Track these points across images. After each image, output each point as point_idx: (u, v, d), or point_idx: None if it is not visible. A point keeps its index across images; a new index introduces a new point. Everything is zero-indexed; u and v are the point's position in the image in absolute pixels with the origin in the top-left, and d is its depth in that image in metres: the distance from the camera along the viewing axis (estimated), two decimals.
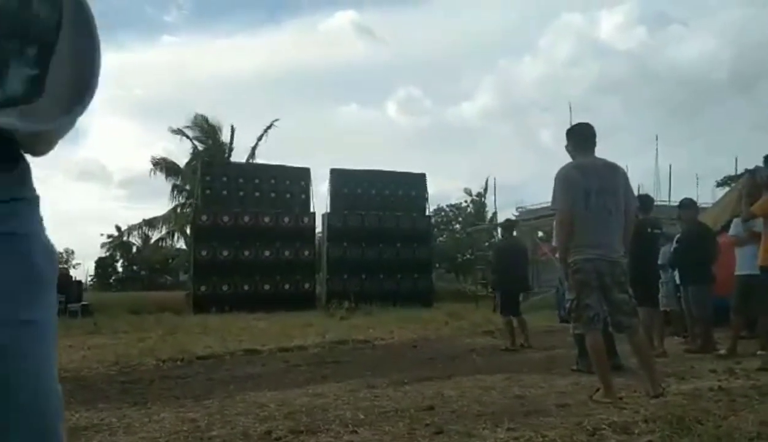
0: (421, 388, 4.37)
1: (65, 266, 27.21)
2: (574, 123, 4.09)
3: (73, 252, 38.58)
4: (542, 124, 47.83)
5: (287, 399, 4.03)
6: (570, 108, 15.60)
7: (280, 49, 46.64)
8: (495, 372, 4.96)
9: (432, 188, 36.98)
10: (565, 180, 3.70)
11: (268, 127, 23.39)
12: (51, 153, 0.77)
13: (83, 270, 35.15)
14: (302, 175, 16.58)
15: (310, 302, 15.16)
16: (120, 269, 39.58)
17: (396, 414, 3.52)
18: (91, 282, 32.53)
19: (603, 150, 3.94)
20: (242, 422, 3.39)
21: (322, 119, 45.74)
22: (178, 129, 22.96)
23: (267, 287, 15.19)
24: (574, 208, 3.65)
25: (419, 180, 17.56)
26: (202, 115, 23.21)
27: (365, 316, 11.86)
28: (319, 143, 40.62)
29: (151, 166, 23.15)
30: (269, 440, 3.01)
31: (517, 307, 7.16)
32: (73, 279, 16.49)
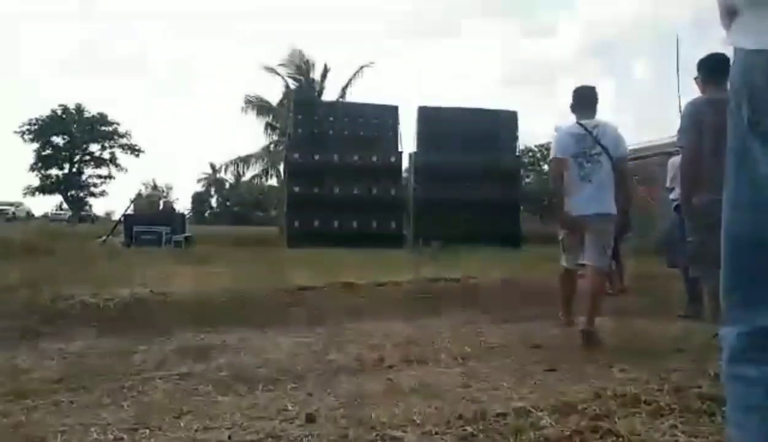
0: (522, 326, 4.39)
1: (169, 199, 28.92)
2: (705, 56, 3.71)
3: (172, 188, 40.99)
4: (637, 62, 44.57)
5: (392, 330, 4.17)
6: (677, 41, 14.20)
7: None
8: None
9: (521, 127, 35.76)
10: (693, 116, 3.47)
11: (363, 67, 23.04)
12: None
13: (182, 204, 37.26)
14: (390, 114, 16.53)
15: (398, 241, 15.37)
16: (214, 204, 41.64)
17: (502, 350, 3.58)
18: (189, 216, 34.47)
19: None
20: (354, 349, 3.56)
21: (411, 57, 44.98)
22: (271, 68, 23.29)
23: (356, 223, 15.53)
24: (701, 147, 3.42)
25: (510, 118, 17.01)
26: (299, 50, 23.39)
27: (453, 255, 11.89)
28: (408, 80, 40.16)
29: (244, 104, 23.71)
30: (383, 367, 3.15)
31: (615, 250, 6.91)
32: (177, 212, 17.53)
